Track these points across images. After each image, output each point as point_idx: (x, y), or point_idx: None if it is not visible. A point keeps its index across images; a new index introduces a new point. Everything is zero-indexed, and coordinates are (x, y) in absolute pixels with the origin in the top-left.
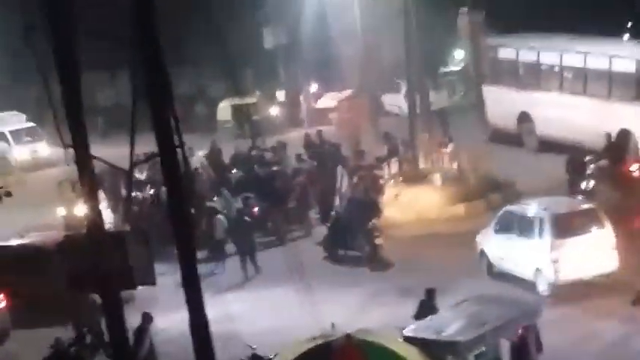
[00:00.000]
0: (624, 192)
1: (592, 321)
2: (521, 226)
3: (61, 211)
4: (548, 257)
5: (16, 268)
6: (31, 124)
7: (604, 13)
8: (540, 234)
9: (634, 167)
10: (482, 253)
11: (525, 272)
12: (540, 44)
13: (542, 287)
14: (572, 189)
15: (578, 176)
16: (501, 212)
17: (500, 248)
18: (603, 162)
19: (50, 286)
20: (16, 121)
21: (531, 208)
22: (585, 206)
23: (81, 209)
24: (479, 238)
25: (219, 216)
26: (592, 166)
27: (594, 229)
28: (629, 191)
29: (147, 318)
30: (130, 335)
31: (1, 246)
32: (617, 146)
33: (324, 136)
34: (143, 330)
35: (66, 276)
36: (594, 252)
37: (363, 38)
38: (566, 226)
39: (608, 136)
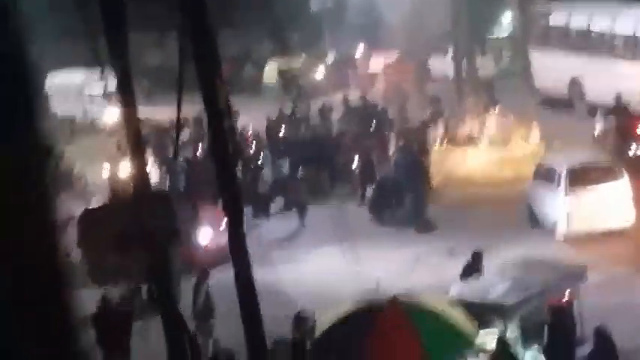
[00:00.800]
0: None
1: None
2: (547, 177)
3: (105, 172)
4: (562, 207)
5: None
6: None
7: None
8: (557, 185)
9: None
10: (528, 206)
11: (550, 221)
12: (590, 10)
13: (559, 236)
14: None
15: (624, 142)
16: (536, 166)
17: (536, 199)
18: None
19: None
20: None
21: (554, 160)
22: (603, 160)
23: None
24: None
25: (264, 171)
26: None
27: (611, 183)
28: None
29: (203, 273)
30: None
31: None
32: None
33: (368, 99)
34: (200, 284)
35: (115, 233)
36: (610, 204)
37: (410, 1)
38: (581, 178)
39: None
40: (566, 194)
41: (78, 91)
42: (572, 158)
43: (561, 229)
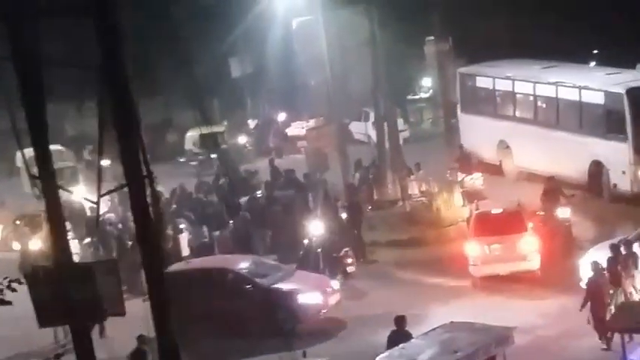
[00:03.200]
0: None
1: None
2: None
3: (16, 246)
4: None
5: None
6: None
7: (571, 40)
8: None
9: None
10: None
11: None
12: (514, 73)
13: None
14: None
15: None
16: None
17: None
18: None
19: None
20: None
21: None
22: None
23: (36, 243)
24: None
25: (184, 234)
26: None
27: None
28: None
29: (142, 340)
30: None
31: None
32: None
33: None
34: (141, 352)
35: (35, 309)
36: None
37: (330, 67)
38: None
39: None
40: None
41: None
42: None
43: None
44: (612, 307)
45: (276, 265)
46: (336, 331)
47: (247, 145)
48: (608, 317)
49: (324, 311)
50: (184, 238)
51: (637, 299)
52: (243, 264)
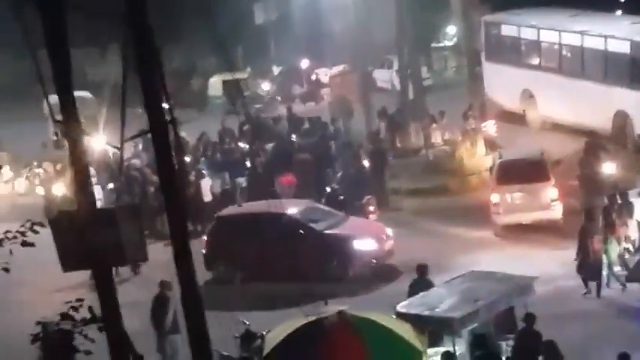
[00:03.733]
0: None
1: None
2: None
3: (39, 190)
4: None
5: None
6: None
7: None
8: None
9: None
10: None
11: None
12: (540, 22)
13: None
14: None
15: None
16: None
17: None
18: None
19: None
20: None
21: None
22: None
23: (59, 188)
24: None
25: (206, 179)
26: None
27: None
28: None
29: (166, 285)
30: (151, 303)
31: None
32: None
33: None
34: (164, 298)
35: (58, 253)
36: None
37: (354, 13)
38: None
39: None
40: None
41: None
42: None
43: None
44: (606, 255)
45: (331, 211)
46: (358, 278)
47: (270, 92)
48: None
49: (379, 258)
50: (206, 184)
51: (629, 247)
52: (298, 208)
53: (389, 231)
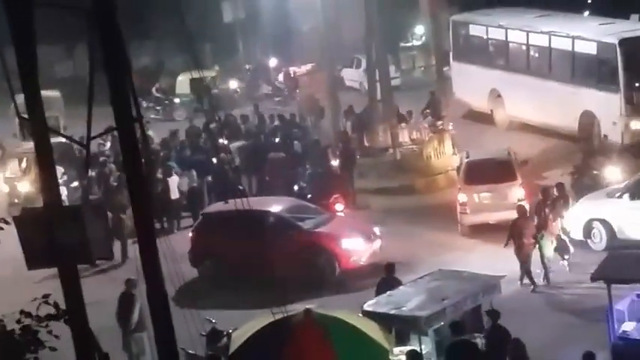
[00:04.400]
0: None
1: None
2: None
3: (3, 188)
4: None
5: None
6: None
7: None
8: None
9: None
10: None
11: None
12: (508, 22)
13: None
14: None
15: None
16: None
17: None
18: None
19: None
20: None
21: None
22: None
23: (24, 185)
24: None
25: (174, 177)
26: None
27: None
28: None
29: (131, 284)
30: (116, 301)
31: None
32: None
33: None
34: (130, 296)
35: (23, 250)
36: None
37: (322, 12)
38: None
39: None
40: None
41: None
42: None
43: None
44: (543, 249)
45: (317, 209)
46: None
47: (238, 90)
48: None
49: (366, 257)
50: (174, 182)
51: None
52: (284, 206)
53: (376, 230)
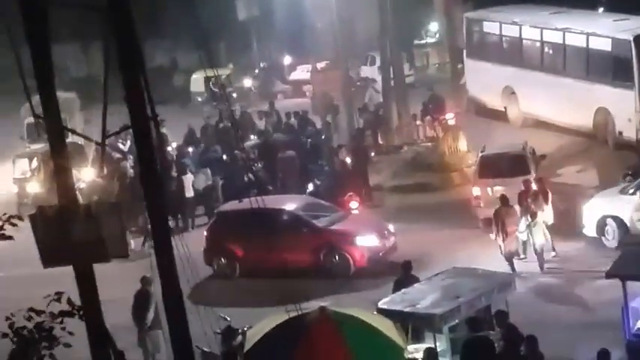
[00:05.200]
0: None
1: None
2: None
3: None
4: None
5: None
6: None
7: None
8: None
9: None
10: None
11: None
12: (522, 19)
13: None
14: None
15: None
16: None
17: None
18: None
19: None
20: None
21: None
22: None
23: (33, 185)
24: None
25: (189, 175)
26: None
27: None
28: None
29: (146, 281)
30: (133, 298)
31: None
32: None
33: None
34: (145, 294)
35: (38, 248)
36: None
37: (337, 10)
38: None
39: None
40: None
41: None
42: None
43: None
44: (534, 238)
45: (332, 207)
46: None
47: (253, 88)
48: (514, 246)
49: (381, 254)
50: (189, 180)
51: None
52: (299, 204)
53: (391, 227)
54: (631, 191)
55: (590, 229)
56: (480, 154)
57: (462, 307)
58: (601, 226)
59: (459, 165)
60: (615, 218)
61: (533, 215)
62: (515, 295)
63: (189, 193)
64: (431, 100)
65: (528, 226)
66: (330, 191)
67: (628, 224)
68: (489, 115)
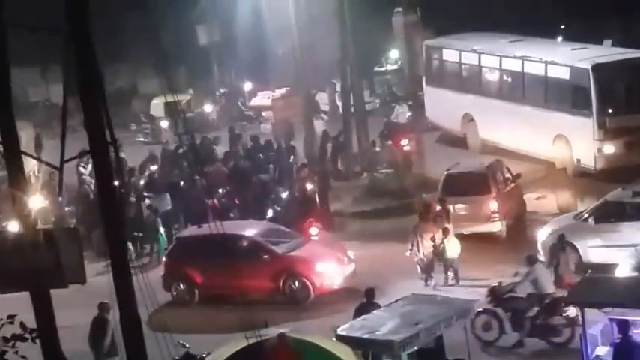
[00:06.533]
0: None
1: None
2: None
3: None
4: None
5: None
6: None
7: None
8: None
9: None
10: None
11: None
12: (481, 47)
13: None
14: None
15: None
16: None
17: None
18: None
19: None
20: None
21: None
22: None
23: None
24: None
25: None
26: None
27: None
28: None
29: (104, 307)
30: (90, 325)
31: None
32: None
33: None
34: (102, 320)
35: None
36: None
37: (297, 36)
38: None
39: None
40: None
41: None
42: None
43: None
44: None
45: (291, 232)
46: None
47: (213, 114)
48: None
49: (340, 281)
50: (146, 205)
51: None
52: (258, 229)
53: (350, 253)
54: (585, 216)
55: (543, 255)
56: (445, 172)
57: (421, 333)
58: (554, 251)
59: (418, 191)
60: (569, 244)
61: (445, 231)
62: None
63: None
64: (386, 126)
65: (442, 242)
66: (290, 217)
67: (580, 251)
68: (449, 142)
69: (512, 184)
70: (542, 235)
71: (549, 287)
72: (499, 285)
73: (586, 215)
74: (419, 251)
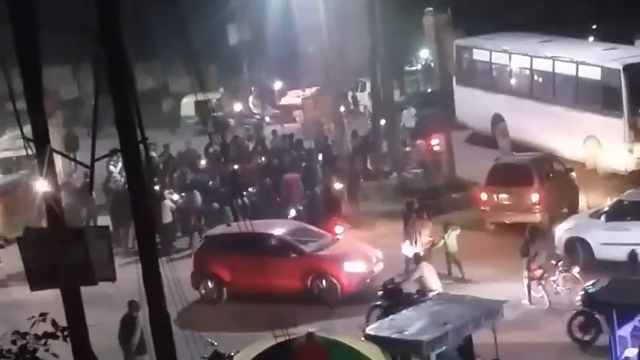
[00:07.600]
0: None
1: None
2: None
3: None
4: None
5: None
6: None
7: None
8: None
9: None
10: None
11: None
12: (511, 47)
13: None
14: None
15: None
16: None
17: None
18: None
19: None
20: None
21: None
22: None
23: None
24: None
25: (167, 201)
26: None
27: None
28: None
29: (134, 306)
30: (119, 323)
31: None
32: None
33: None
34: (132, 318)
35: (25, 271)
36: None
37: (328, 36)
38: None
39: None
40: None
41: None
42: None
43: None
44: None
45: (320, 232)
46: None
47: (243, 112)
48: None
49: (369, 280)
50: (166, 206)
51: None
52: (287, 229)
53: (378, 253)
54: (599, 215)
55: (560, 250)
56: (494, 161)
57: (450, 333)
58: (569, 247)
59: (448, 191)
60: (581, 240)
61: (446, 226)
62: (503, 323)
63: (167, 218)
64: (418, 125)
65: (443, 237)
66: (318, 216)
67: (593, 247)
68: (478, 141)
69: (565, 177)
70: (559, 231)
71: (435, 285)
72: (390, 280)
73: (600, 213)
74: (416, 245)
